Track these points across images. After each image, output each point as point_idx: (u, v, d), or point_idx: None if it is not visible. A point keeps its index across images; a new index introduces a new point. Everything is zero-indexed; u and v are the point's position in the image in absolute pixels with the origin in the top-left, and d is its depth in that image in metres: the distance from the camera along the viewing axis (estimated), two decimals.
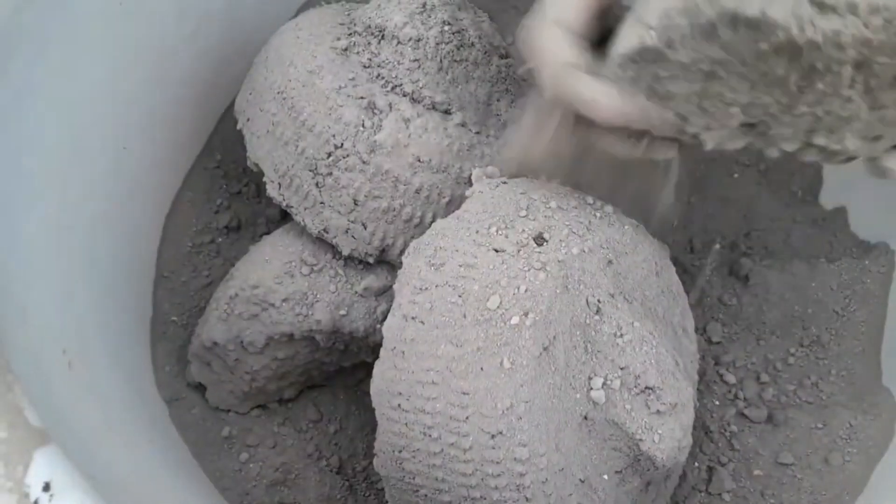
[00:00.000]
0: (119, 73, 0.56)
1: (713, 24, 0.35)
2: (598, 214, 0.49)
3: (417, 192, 0.52)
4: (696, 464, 0.55)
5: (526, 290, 0.43)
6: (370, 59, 0.54)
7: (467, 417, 0.43)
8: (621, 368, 0.46)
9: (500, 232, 0.45)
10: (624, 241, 0.48)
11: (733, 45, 0.35)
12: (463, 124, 0.54)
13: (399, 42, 0.54)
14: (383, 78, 0.54)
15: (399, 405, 0.44)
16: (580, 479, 0.45)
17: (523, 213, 0.46)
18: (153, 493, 0.45)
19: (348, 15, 0.58)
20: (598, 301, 0.46)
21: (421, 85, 0.53)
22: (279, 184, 0.55)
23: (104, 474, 0.38)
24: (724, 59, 0.36)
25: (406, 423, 0.44)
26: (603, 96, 0.41)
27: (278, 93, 0.55)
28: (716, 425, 0.57)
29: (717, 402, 0.58)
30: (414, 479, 0.45)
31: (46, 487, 0.35)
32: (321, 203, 0.53)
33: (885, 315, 0.61)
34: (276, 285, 0.54)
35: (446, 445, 0.43)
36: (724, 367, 0.60)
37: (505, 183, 0.49)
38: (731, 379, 0.59)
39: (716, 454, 0.56)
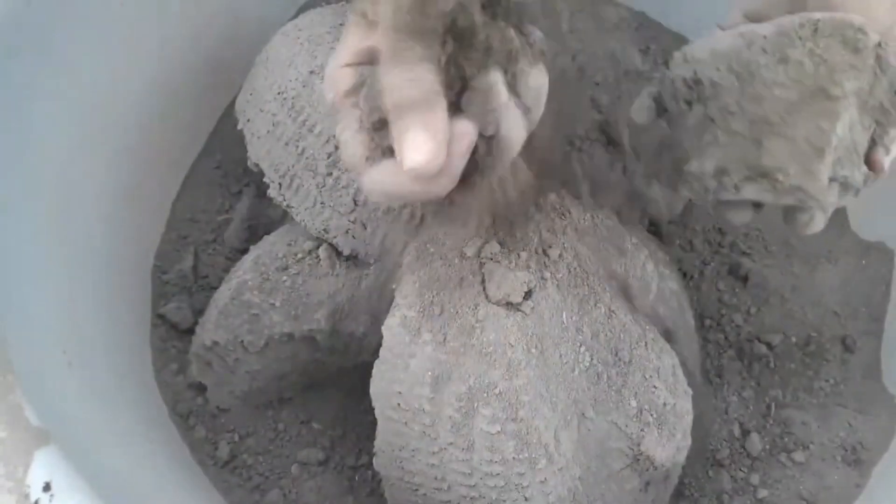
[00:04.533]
0: (120, 73, 0.56)
1: None
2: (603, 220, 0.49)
3: None
4: (696, 464, 0.55)
5: None
6: None
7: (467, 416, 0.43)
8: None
9: None
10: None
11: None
12: None
13: None
14: None
15: (399, 404, 0.44)
16: (579, 479, 0.45)
17: None
18: (153, 493, 0.45)
19: (349, 15, 0.58)
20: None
21: None
22: (279, 184, 0.55)
23: (104, 474, 0.38)
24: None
25: (406, 423, 0.44)
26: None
27: (279, 93, 0.55)
28: (715, 426, 0.57)
29: (716, 403, 0.58)
30: (413, 478, 0.45)
31: (47, 487, 0.35)
32: (321, 203, 0.53)
33: (885, 315, 0.61)
34: (277, 285, 0.54)
35: (446, 445, 0.43)
36: (723, 367, 0.60)
37: None
38: (729, 379, 0.59)
39: (715, 455, 0.56)
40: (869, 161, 0.42)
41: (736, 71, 0.41)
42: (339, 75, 0.36)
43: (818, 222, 0.43)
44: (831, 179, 0.41)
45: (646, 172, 0.48)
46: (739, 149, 0.41)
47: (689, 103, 0.44)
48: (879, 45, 0.40)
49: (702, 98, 0.43)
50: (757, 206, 0.44)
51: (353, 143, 0.36)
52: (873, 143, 0.42)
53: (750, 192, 0.42)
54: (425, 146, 0.33)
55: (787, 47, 0.40)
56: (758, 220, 0.65)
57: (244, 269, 0.56)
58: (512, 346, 0.43)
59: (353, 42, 0.36)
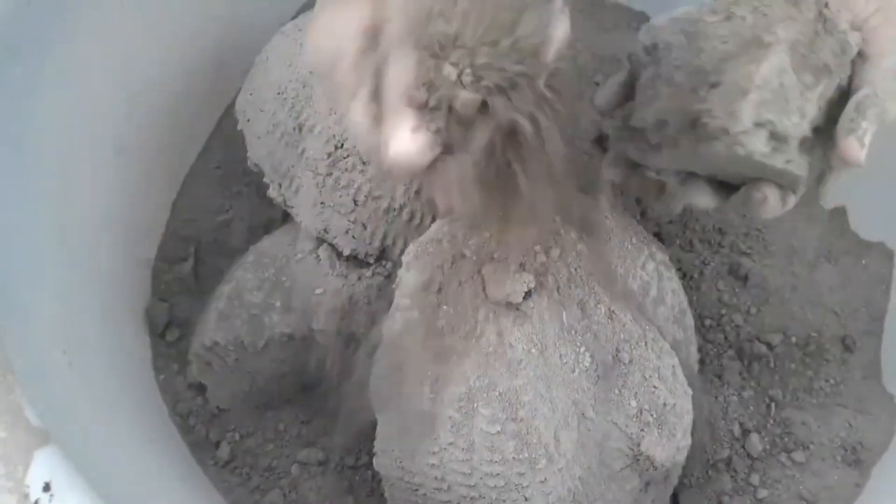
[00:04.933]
0: (119, 73, 0.56)
1: None
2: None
3: (418, 192, 0.52)
4: (696, 464, 0.55)
5: None
6: None
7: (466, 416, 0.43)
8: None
9: None
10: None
11: None
12: None
13: None
14: None
15: (398, 404, 0.44)
16: (579, 479, 0.45)
17: None
18: (153, 493, 0.45)
19: None
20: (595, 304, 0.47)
21: None
22: (280, 184, 0.55)
23: (104, 474, 0.38)
24: None
25: (405, 422, 0.44)
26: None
27: (278, 93, 0.55)
28: (715, 426, 0.57)
29: (716, 403, 0.58)
30: (413, 478, 0.45)
31: (46, 487, 0.35)
32: (321, 203, 0.53)
33: (885, 315, 0.61)
34: (277, 285, 0.54)
35: (446, 445, 0.43)
36: (723, 367, 0.60)
37: None
38: (729, 379, 0.59)
39: (715, 455, 0.56)
40: (840, 150, 0.41)
41: (686, 31, 0.43)
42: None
43: (773, 202, 0.42)
44: (757, 124, 0.40)
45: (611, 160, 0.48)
46: (678, 99, 0.42)
47: (646, 67, 0.45)
48: (826, 5, 0.40)
49: (655, 60, 0.44)
50: (721, 187, 0.44)
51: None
52: (834, 128, 0.41)
53: (686, 144, 0.42)
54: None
55: (733, 5, 0.42)
56: (759, 220, 0.65)
57: (244, 269, 0.56)
58: (512, 346, 0.43)
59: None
